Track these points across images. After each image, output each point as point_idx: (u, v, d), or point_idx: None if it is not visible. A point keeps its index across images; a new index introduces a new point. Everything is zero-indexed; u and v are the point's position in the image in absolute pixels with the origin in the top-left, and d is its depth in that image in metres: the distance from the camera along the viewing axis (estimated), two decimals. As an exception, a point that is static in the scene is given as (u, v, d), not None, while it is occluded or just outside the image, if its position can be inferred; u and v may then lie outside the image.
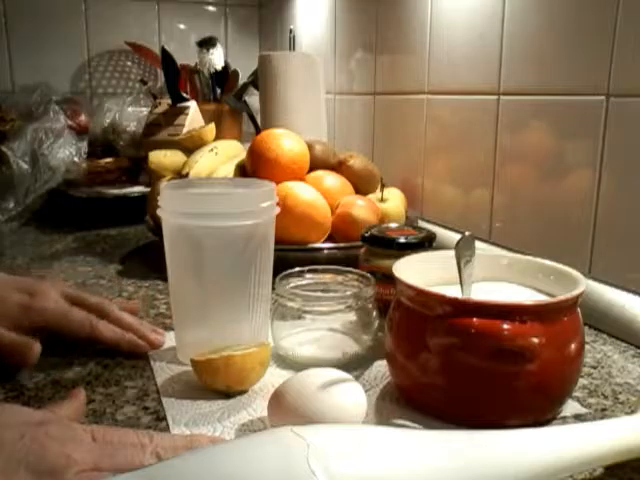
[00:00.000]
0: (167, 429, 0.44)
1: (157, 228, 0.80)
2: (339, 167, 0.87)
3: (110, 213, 1.13)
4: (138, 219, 0.98)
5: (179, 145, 0.91)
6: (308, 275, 0.60)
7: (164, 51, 1.23)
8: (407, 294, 0.47)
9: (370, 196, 0.85)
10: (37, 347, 0.52)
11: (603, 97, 0.62)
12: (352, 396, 0.43)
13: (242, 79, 1.42)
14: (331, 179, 0.84)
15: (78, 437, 0.35)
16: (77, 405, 0.44)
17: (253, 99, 1.38)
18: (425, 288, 0.45)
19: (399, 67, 1.00)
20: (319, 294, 0.57)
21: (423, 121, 0.94)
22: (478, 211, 0.83)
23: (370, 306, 0.56)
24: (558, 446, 0.36)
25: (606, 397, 0.50)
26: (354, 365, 0.54)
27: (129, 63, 1.53)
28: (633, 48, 0.58)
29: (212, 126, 0.93)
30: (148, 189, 1.02)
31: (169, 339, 0.58)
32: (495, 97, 0.78)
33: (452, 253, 0.48)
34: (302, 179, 0.82)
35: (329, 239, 0.79)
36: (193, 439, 0.38)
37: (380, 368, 0.54)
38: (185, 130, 1.08)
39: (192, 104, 1.16)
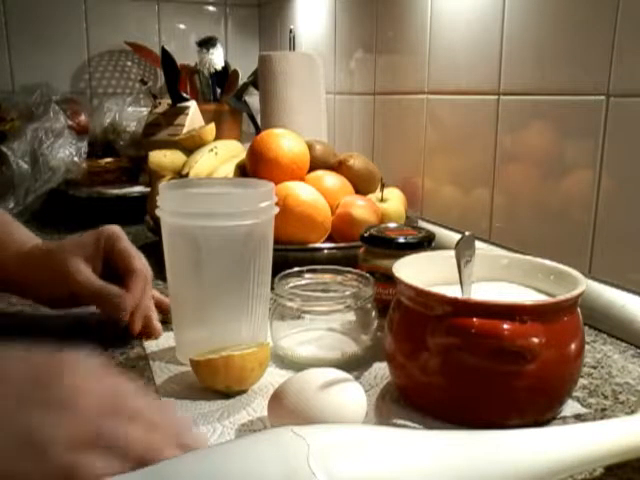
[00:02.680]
0: (167, 429, 0.44)
1: (157, 228, 0.80)
2: (339, 167, 0.87)
3: (110, 213, 1.12)
4: (138, 219, 0.98)
5: (179, 145, 0.91)
6: (307, 275, 0.60)
7: (164, 51, 1.23)
8: (407, 294, 0.47)
9: (370, 196, 0.85)
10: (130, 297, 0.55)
11: (603, 97, 0.62)
12: (352, 396, 0.43)
13: (242, 79, 1.42)
14: (331, 179, 0.84)
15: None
16: None
17: (253, 99, 1.38)
18: (425, 288, 0.45)
19: (399, 67, 1.00)
20: (318, 294, 0.57)
21: (423, 121, 0.94)
22: (478, 211, 0.83)
23: (369, 306, 0.56)
24: (558, 446, 0.36)
25: (606, 397, 0.50)
26: (354, 365, 0.54)
27: (129, 63, 1.53)
28: (633, 48, 0.58)
29: (212, 126, 0.93)
30: (148, 189, 1.02)
31: (169, 339, 0.58)
32: (495, 97, 0.78)
33: (452, 253, 0.48)
34: (302, 179, 0.82)
35: (329, 239, 0.79)
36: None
37: (380, 368, 0.54)
38: (185, 130, 1.08)
39: (192, 104, 1.16)
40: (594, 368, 0.55)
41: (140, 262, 0.59)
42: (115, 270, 0.59)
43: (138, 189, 1.17)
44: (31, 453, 0.30)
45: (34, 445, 0.31)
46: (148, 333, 0.59)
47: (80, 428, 0.32)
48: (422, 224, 0.92)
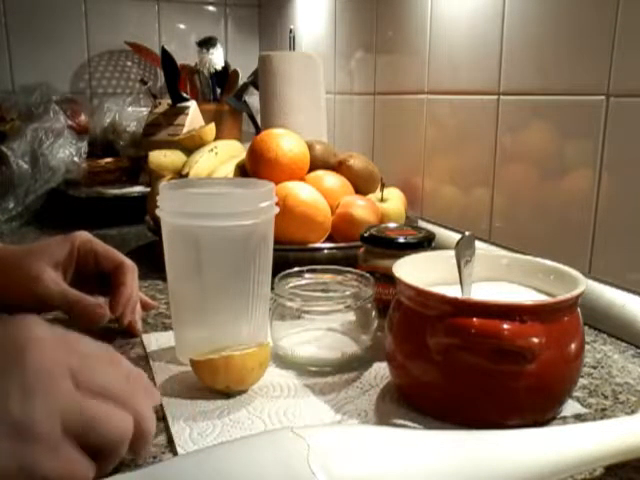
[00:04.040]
0: (167, 428, 0.44)
1: (157, 228, 0.80)
2: (339, 167, 0.87)
3: (110, 213, 1.13)
4: (138, 219, 0.98)
5: (179, 145, 0.91)
6: (307, 275, 0.60)
7: (164, 51, 1.23)
8: (407, 294, 0.47)
9: (370, 196, 0.85)
10: (106, 309, 0.54)
11: (603, 97, 0.62)
12: None
13: (242, 79, 1.42)
14: (331, 179, 0.84)
15: None
16: None
17: (253, 99, 1.38)
18: (425, 288, 0.45)
19: (399, 67, 1.00)
20: (318, 294, 0.57)
21: (423, 121, 0.94)
22: (478, 211, 0.83)
23: (369, 306, 0.56)
24: (558, 446, 0.36)
25: (606, 397, 0.50)
26: (354, 365, 0.54)
27: (129, 63, 1.53)
28: (633, 48, 0.58)
29: (212, 126, 0.93)
30: (148, 189, 1.02)
31: (169, 339, 0.58)
32: (495, 97, 0.78)
33: (452, 253, 0.48)
34: (302, 179, 0.82)
35: (329, 239, 0.79)
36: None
37: (380, 368, 0.54)
38: (185, 130, 1.08)
39: (192, 104, 1.16)
40: (594, 368, 0.55)
41: (125, 257, 0.59)
42: (92, 272, 0.58)
43: (138, 189, 1.17)
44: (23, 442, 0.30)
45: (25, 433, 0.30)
46: (131, 330, 0.59)
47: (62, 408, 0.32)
48: (422, 224, 0.92)
